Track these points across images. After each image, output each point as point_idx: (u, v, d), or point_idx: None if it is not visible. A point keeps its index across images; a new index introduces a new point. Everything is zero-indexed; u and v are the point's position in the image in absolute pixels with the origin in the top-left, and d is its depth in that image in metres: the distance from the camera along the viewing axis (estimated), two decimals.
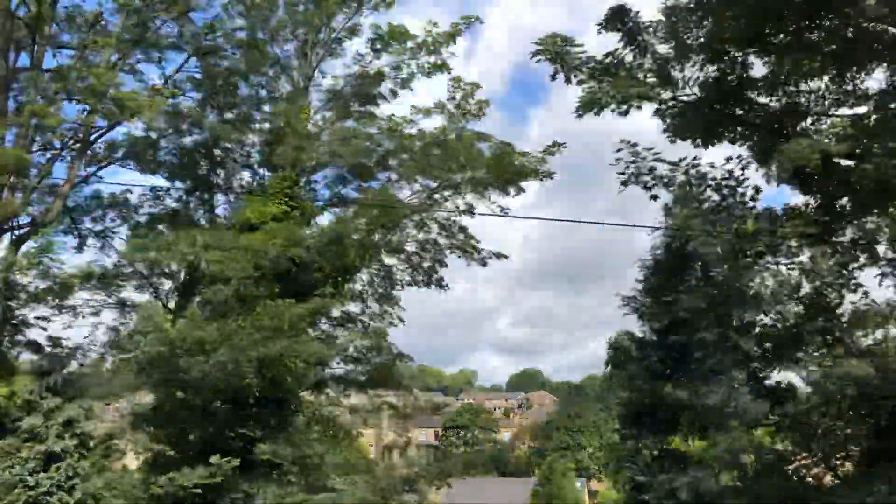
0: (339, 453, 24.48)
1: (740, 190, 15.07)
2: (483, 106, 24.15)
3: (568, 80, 13.81)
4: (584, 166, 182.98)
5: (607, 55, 13.71)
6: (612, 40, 13.85)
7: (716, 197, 15.34)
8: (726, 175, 15.18)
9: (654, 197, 15.38)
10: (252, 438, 20.79)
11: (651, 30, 13.43)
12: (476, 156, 23.07)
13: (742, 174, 14.92)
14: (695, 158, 15.11)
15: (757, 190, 15.15)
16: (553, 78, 13.83)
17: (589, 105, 13.68)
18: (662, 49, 13.38)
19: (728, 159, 14.94)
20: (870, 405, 15.81)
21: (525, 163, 23.48)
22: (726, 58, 13.11)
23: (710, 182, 15.22)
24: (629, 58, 13.77)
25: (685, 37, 12.86)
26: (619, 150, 14.93)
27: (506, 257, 25.47)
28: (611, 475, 62.59)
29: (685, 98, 13.99)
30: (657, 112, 14.08)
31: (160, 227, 23.76)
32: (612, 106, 13.61)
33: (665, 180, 15.14)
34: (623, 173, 14.90)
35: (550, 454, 74.60)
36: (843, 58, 13.01)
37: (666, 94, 13.77)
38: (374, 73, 24.18)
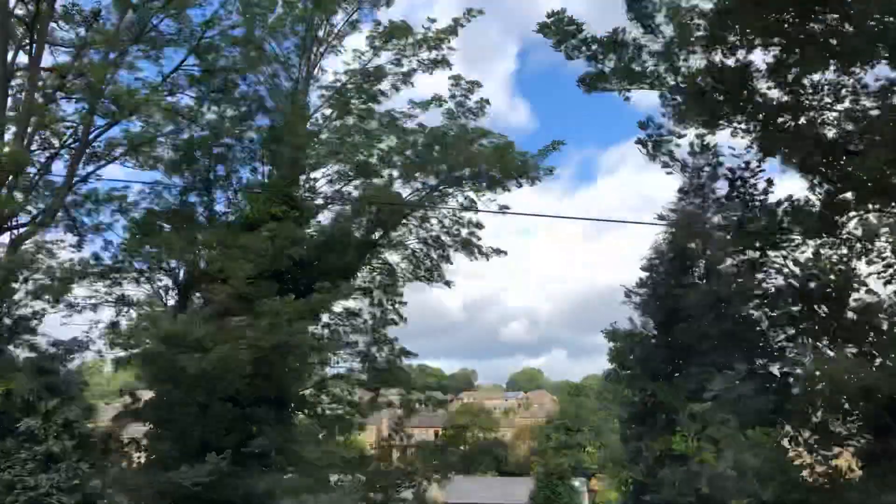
0: (340, 451, 24.37)
1: (752, 181, 14.99)
2: (483, 104, 24.14)
3: (569, 57, 13.80)
4: None
5: (613, 32, 13.69)
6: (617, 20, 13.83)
7: (726, 187, 15.25)
8: (743, 165, 15.08)
9: (670, 173, 15.25)
10: (251, 436, 20.73)
11: (661, 11, 13.39)
12: (477, 152, 23.05)
13: (759, 165, 14.83)
14: (714, 145, 15.03)
15: (769, 182, 15.08)
16: (563, 52, 13.77)
17: (594, 82, 13.69)
18: (668, 31, 13.34)
19: (748, 148, 14.83)
20: (871, 402, 15.73)
21: (525, 159, 23.48)
22: (728, 47, 13.06)
23: (726, 171, 15.14)
24: (635, 34, 13.73)
25: (690, 24, 12.82)
26: (645, 124, 14.86)
27: (504, 253, 25.47)
28: (611, 475, 62.41)
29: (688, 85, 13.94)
30: (661, 97, 14.05)
31: (159, 223, 23.65)
32: (617, 87, 13.59)
33: (682, 163, 15.11)
34: (645, 143, 14.84)
35: (550, 454, 74.39)
36: (846, 51, 12.95)
37: (670, 80, 13.74)
38: (375, 69, 24.10)
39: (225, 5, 22.83)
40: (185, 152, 23.69)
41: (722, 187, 15.41)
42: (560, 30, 13.45)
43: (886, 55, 13.05)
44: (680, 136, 14.87)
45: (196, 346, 19.01)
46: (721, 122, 13.94)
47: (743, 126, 14.03)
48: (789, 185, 15.37)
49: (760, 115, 13.70)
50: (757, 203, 14.89)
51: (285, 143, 22.72)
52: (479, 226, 24.87)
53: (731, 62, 13.21)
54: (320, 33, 24.52)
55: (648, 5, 13.19)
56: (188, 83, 23.20)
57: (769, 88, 13.59)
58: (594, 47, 13.45)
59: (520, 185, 23.65)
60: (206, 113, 23.63)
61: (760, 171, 15.05)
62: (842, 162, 13.54)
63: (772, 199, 15.01)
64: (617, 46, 13.41)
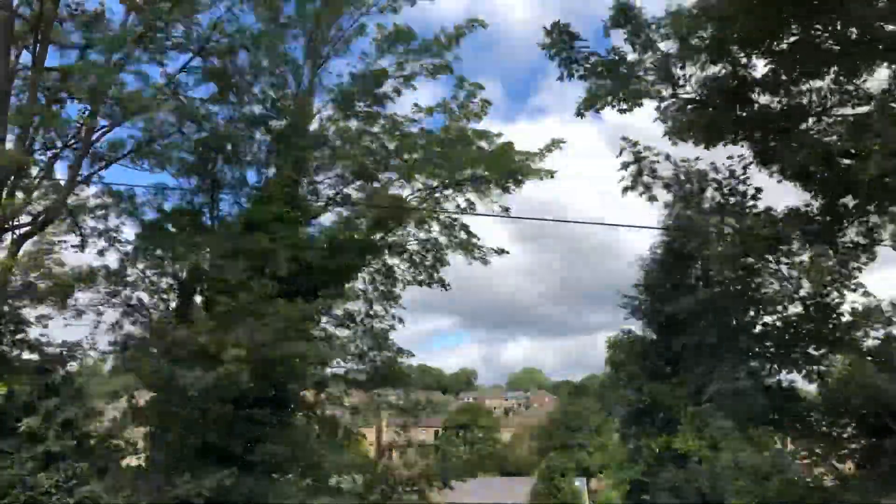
0: (340, 453, 24.43)
1: (741, 189, 15.07)
2: (485, 106, 24.20)
3: (571, 75, 13.81)
4: None
5: (610, 52, 13.72)
6: (616, 36, 13.87)
7: (717, 197, 15.34)
8: (728, 175, 15.18)
9: (653, 198, 15.38)
10: (252, 439, 20.75)
11: (654, 27, 13.44)
12: (477, 154, 23.11)
13: (744, 173, 14.92)
14: (696, 159, 15.13)
15: (758, 190, 15.16)
16: (560, 80, 13.86)
17: (590, 102, 13.70)
18: (665, 46, 13.37)
19: (730, 157, 14.93)
20: (870, 405, 15.79)
21: (525, 161, 23.53)
22: (728, 58, 13.09)
23: (712, 182, 15.23)
24: (632, 55, 13.77)
25: (688, 36, 12.85)
26: (621, 151, 14.94)
27: (507, 253, 25.49)
28: (611, 475, 62.49)
29: (686, 96, 13.99)
30: (658, 110, 14.08)
31: (165, 225, 23.63)
32: (614, 103, 13.61)
33: (666, 181, 15.15)
34: (624, 177, 14.90)
35: (550, 454, 74.51)
36: (846, 57, 12.99)
37: (667, 92, 13.77)
38: (378, 70, 24.14)
39: (233, 7, 22.82)
40: (192, 154, 23.65)
41: (714, 197, 15.47)
42: (559, 46, 13.46)
43: (887, 61, 13.09)
44: (658, 153, 14.84)
45: (198, 351, 19.01)
46: (722, 133, 13.94)
47: (742, 135, 14.06)
48: (788, 193, 15.40)
49: (758, 122, 13.72)
50: (746, 210, 14.97)
51: (290, 144, 22.75)
52: (473, 235, 24.93)
53: (731, 72, 13.22)
54: (328, 34, 24.51)
55: (641, 23, 13.22)
56: (194, 84, 23.18)
57: (766, 93, 13.62)
58: (593, 61, 13.44)
59: (519, 185, 23.70)
60: (212, 114, 23.59)
61: (746, 178, 15.12)
62: (841, 167, 13.58)
63: (767, 204, 15.10)
64: (616, 64, 13.41)
